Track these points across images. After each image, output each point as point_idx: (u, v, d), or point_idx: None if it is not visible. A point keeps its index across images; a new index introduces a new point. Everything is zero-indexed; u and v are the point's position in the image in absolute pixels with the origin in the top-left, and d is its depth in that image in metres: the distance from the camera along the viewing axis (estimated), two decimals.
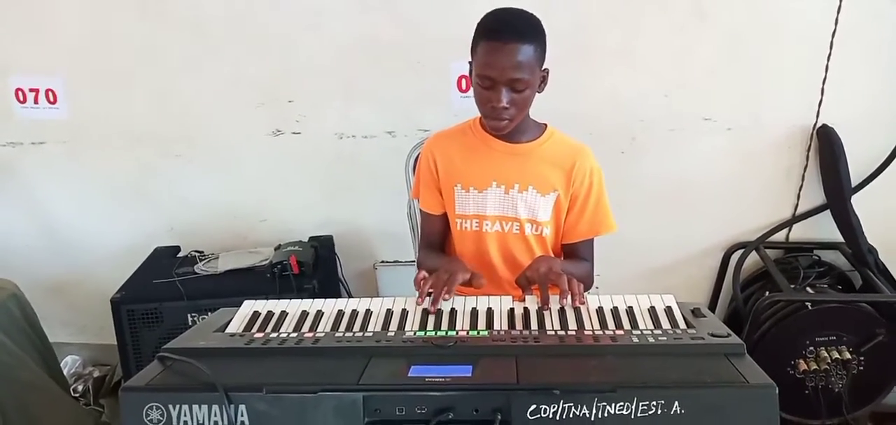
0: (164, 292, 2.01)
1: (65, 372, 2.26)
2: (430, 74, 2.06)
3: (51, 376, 1.91)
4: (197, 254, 2.23)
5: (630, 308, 1.17)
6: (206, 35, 2.09)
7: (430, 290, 1.26)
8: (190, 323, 1.96)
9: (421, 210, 1.63)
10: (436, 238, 1.63)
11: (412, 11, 2.00)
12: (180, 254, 2.28)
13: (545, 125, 1.52)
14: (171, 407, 0.93)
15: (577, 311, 1.17)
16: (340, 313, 1.19)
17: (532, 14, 1.36)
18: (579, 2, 1.94)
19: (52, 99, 2.20)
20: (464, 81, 2.05)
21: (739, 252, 2.17)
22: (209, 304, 1.94)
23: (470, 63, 1.39)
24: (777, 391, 0.88)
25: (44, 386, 1.85)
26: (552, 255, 1.54)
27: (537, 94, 1.40)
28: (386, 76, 2.08)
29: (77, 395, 2.37)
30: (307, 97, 2.15)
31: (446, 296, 1.23)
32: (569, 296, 1.18)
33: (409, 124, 2.14)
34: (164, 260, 2.23)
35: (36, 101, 2.21)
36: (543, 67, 1.38)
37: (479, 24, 1.36)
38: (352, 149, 2.20)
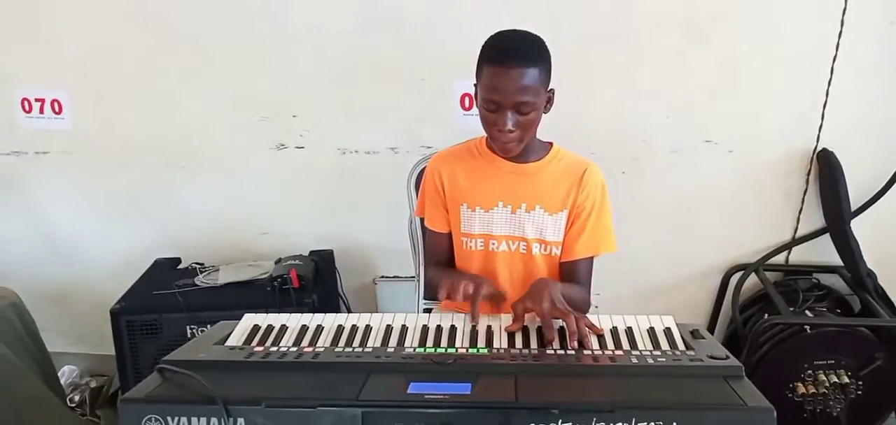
0: (163, 303, 2.01)
1: (62, 381, 2.25)
2: (433, 92, 2.07)
3: (48, 387, 1.91)
4: (197, 266, 2.24)
5: (629, 328, 1.17)
6: (211, 49, 2.10)
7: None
8: (189, 336, 1.97)
9: (428, 229, 1.60)
10: (444, 257, 1.60)
11: (416, 30, 2.01)
12: (181, 266, 2.29)
13: (551, 143, 1.50)
14: (169, 419, 0.93)
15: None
16: (340, 328, 1.19)
17: (536, 35, 1.35)
18: (581, 22, 1.96)
19: (57, 109, 2.22)
20: (466, 99, 2.06)
21: (739, 274, 2.18)
22: (209, 317, 1.94)
23: (475, 85, 1.37)
24: (775, 414, 0.88)
25: (41, 398, 1.84)
26: (556, 279, 1.47)
27: (543, 114, 1.38)
28: (389, 93, 2.10)
29: (73, 405, 2.36)
30: (311, 112, 2.16)
31: (474, 313, 1.23)
32: (576, 339, 1.12)
33: (412, 141, 2.15)
34: (165, 271, 2.23)
35: (41, 111, 2.22)
36: (549, 88, 1.37)
37: (483, 47, 1.35)
38: (354, 164, 2.21)
